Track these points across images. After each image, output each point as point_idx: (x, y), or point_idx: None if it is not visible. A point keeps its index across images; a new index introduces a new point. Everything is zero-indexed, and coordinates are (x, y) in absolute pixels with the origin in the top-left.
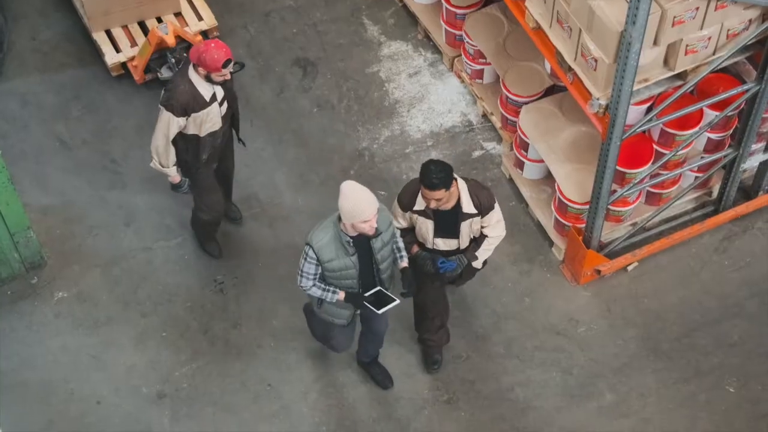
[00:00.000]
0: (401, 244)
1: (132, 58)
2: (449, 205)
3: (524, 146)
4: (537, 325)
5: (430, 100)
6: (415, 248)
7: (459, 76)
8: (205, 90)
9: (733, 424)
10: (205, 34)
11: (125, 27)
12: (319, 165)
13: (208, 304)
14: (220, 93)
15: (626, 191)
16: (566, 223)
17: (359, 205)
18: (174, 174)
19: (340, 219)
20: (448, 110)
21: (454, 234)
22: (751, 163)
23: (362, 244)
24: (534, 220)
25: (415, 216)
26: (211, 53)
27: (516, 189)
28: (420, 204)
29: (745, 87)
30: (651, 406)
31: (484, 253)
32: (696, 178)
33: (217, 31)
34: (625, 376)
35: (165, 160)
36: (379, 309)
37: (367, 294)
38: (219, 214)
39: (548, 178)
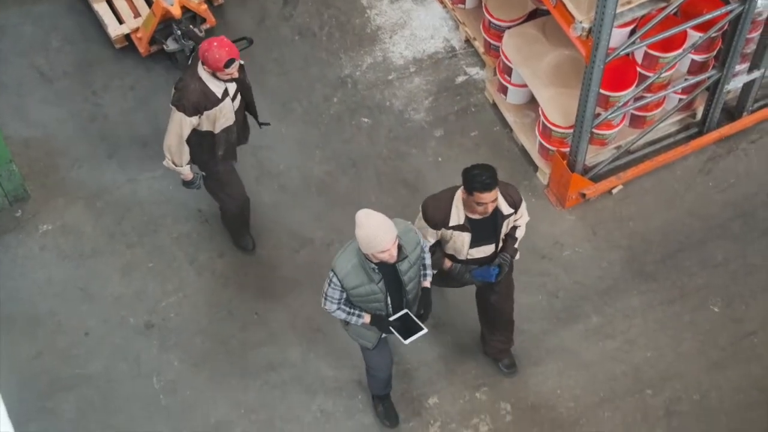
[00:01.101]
0: (428, 261)
1: (136, 30)
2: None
3: (507, 71)
4: (522, 250)
5: (413, 26)
6: (448, 262)
7: (441, 2)
8: (216, 87)
9: (718, 343)
10: (209, 1)
11: None
12: (302, 94)
13: (194, 234)
14: (232, 87)
15: (610, 114)
16: (550, 147)
17: (376, 236)
18: (187, 172)
19: None
20: (431, 36)
21: (494, 239)
22: (735, 84)
23: (388, 268)
24: (518, 145)
25: (449, 231)
26: (213, 53)
27: (499, 114)
28: (456, 218)
29: (729, 8)
30: (636, 327)
31: (520, 236)
32: (680, 100)
33: None
34: (611, 298)
35: (178, 159)
36: (406, 338)
37: (392, 318)
38: (244, 201)
39: (532, 102)
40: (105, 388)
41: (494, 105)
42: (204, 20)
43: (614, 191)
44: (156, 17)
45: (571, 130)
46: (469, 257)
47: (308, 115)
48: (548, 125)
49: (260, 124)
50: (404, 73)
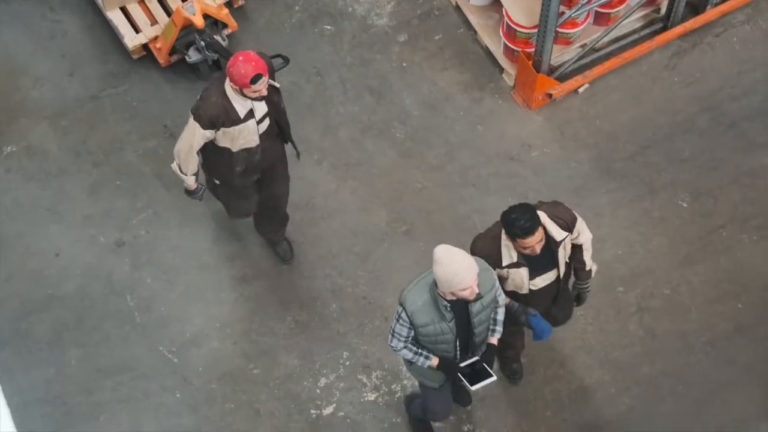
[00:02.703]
0: (500, 317)
1: (154, 39)
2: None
3: None
4: (491, 152)
5: None
6: (506, 299)
7: None
8: (241, 106)
9: (687, 238)
10: (229, 4)
11: (141, 2)
12: (263, 3)
13: (160, 149)
14: (260, 109)
15: (574, 12)
16: (515, 48)
17: (458, 274)
18: (191, 182)
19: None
20: None
21: (553, 265)
22: None
23: (460, 307)
24: (483, 47)
25: (505, 270)
26: (238, 68)
27: (463, 17)
28: (509, 257)
29: None
30: (606, 225)
31: (588, 258)
32: None
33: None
34: (580, 197)
35: (185, 167)
36: (472, 384)
37: (463, 364)
38: (246, 217)
39: (495, 3)
40: (79, 308)
41: (457, 7)
42: (225, 25)
43: (580, 90)
44: (177, 27)
45: (536, 30)
46: (532, 288)
47: (271, 25)
48: (512, 26)
49: (297, 152)
50: None
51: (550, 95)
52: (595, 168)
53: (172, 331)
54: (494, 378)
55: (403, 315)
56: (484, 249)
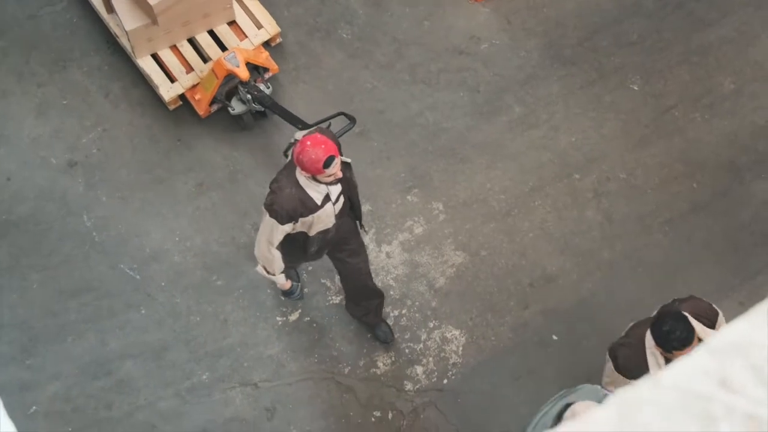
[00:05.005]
0: None
1: (193, 88)
2: None
3: None
4: (439, 48)
5: None
6: None
7: None
8: (316, 192)
9: (640, 120)
10: (267, 44)
11: (174, 47)
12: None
13: (105, 66)
14: (335, 191)
15: None
16: None
17: None
18: (283, 281)
19: None
20: None
21: None
22: None
23: None
24: None
25: None
26: (308, 154)
27: None
28: (656, 365)
29: None
30: (558, 113)
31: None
32: None
33: (279, 37)
34: (531, 87)
35: (270, 267)
36: None
37: None
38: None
39: None
40: (35, 232)
41: None
42: (267, 69)
43: None
44: (218, 79)
45: None
46: None
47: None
48: None
49: (362, 226)
50: None
51: None
52: (545, 56)
53: (131, 248)
54: None
55: None
56: (630, 360)
